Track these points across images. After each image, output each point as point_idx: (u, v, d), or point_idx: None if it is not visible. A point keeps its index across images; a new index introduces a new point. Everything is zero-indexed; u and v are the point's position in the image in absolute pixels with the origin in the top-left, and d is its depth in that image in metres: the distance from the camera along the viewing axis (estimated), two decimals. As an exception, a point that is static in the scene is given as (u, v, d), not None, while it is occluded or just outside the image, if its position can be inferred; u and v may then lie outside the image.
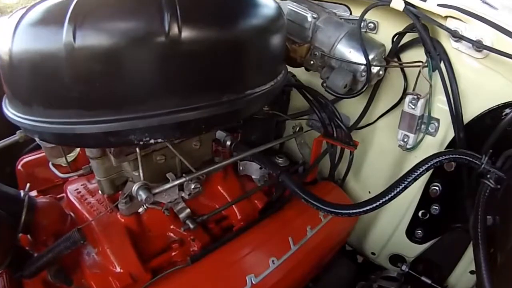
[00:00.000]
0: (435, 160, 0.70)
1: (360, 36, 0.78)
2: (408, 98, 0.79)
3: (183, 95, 0.52)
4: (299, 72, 1.09)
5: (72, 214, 0.79)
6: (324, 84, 0.79)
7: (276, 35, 0.62)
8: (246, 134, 0.99)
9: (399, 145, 0.84)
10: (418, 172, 0.70)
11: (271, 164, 0.83)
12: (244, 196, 0.91)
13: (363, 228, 1.09)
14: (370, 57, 0.78)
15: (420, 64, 0.81)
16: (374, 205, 0.71)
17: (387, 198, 0.70)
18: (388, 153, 0.96)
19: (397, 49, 0.85)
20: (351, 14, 0.90)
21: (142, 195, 0.64)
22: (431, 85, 0.75)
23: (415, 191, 0.92)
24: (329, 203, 0.75)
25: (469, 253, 0.92)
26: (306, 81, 1.05)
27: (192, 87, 0.53)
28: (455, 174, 0.83)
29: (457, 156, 0.69)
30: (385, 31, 0.85)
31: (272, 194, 0.98)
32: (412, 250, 1.01)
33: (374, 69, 0.81)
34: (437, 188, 0.88)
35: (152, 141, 0.53)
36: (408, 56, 0.87)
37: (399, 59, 0.87)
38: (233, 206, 0.88)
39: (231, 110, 0.57)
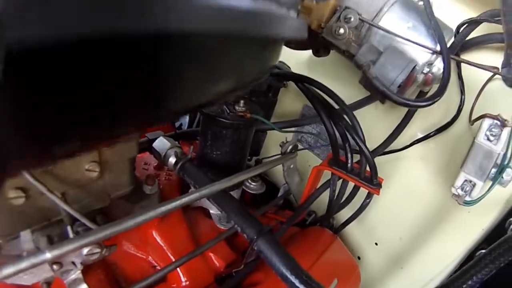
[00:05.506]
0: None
1: (429, 4, 0.46)
2: (486, 124, 0.49)
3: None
4: (291, 64, 0.75)
5: None
6: (368, 71, 0.44)
7: None
8: (206, 146, 0.61)
9: (454, 195, 0.53)
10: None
11: (241, 219, 0.45)
12: (195, 253, 0.53)
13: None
14: (441, 45, 0.46)
15: (495, 70, 0.53)
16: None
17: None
18: (417, 198, 0.65)
19: (462, 44, 0.56)
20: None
21: None
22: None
23: (447, 260, 0.62)
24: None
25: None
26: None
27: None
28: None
29: None
30: (448, 16, 0.54)
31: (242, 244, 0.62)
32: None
33: (438, 66, 0.49)
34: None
35: None
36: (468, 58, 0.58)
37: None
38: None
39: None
